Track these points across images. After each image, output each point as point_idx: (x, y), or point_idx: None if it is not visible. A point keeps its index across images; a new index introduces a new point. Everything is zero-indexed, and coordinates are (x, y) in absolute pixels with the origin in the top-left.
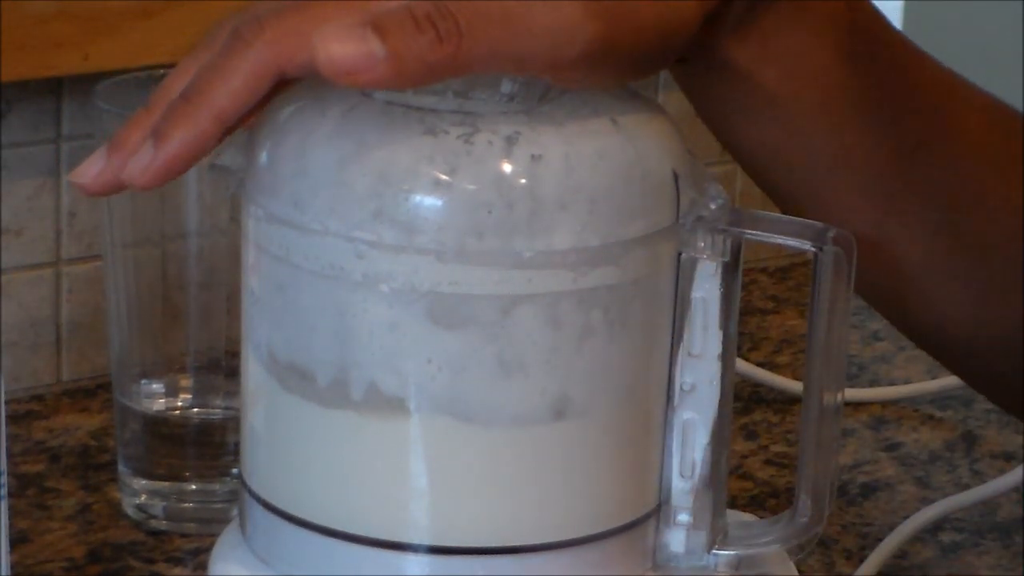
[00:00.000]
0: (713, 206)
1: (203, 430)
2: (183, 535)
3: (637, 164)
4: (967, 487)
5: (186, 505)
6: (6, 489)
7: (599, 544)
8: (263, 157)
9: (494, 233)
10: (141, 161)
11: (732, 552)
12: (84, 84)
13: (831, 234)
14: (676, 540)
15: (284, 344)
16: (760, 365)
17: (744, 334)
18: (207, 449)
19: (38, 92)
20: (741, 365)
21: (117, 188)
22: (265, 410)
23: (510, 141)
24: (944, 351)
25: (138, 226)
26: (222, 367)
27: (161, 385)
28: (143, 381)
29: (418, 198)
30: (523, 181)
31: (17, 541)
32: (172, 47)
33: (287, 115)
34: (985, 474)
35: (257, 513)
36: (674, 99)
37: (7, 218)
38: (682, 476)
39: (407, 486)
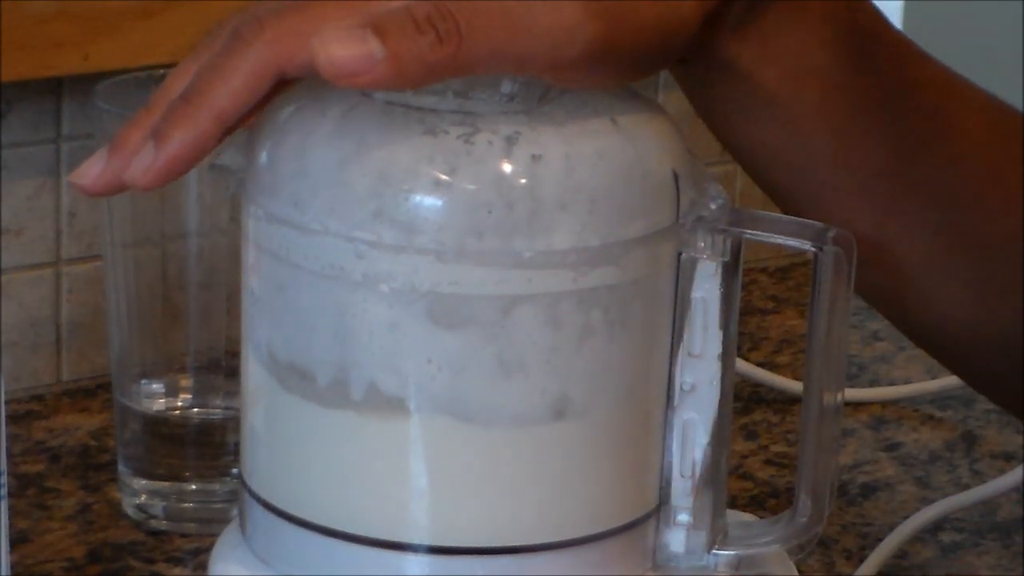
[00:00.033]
0: (713, 206)
1: (203, 430)
2: (183, 535)
3: (637, 164)
4: (967, 487)
5: (186, 505)
6: (6, 489)
7: (599, 544)
8: (263, 157)
9: (494, 233)
10: (142, 162)
11: (732, 552)
12: (84, 84)
13: (831, 234)
14: (676, 540)
15: (284, 344)
16: (760, 365)
17: (744, 334)
18: (207, 449)
19: (38, 92)
20: (741, 365)
21: (118, 189)
22: (265, 410)
23: (510, 141)
24: (944, 351)
25: (138, 226)
26: (222, 367)
27: (161, 385)
28: (143, 381)
29: (418, 198)
30: (523, 181)
31: (17, 541)
32: (172, 47)
33: (287, 115)
34: (985, 474)
35: (257, 513)
36: (674, 99)
37: (7, 218)
38: (682, 476)
39: (407, 486)
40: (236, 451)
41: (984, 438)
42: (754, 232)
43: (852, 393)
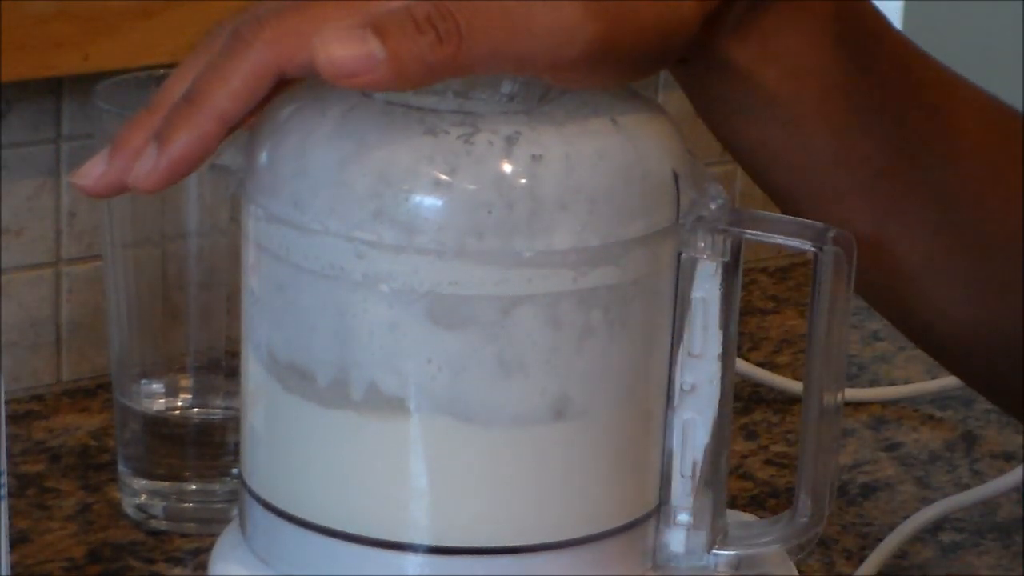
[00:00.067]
0: (713, 206)
1: (203, 430)
2: (183, 535)
3: (637, 164)
4: (967, 487)
5: (186, 505)
6: (6, 489)
7: (599, 544)
8: (263, 157)
9: (494, 233)
10: (145, 165)
11: (732, 552)
12: (84, 84)
13: (831, 234)
14: (676, 540)
15: (284, 344)
16: (760, 365)
17: (744, 334)
18: (207, 449)
19: (38, 92)
20: (741, 365)
21: (119, 190)
22: (265, 410)
23: (510, 141)
24: (944, 351)
25: (138, 226)
26: (222, 367)
27: (161, 385)
28: (143, 381)
29: (418, 198)
30: (523, 181)
31: (17, 541)
32: (172, 47)
33: (287, 115)
34: (985, 474)
35: (257, 513)
36: (674, 99)
37: (7, 218)
38: (682, 476)
39: (407, 486)
40: (236, 451)
41: (984, 438)
42: (754, 232)
43: (852, 393)
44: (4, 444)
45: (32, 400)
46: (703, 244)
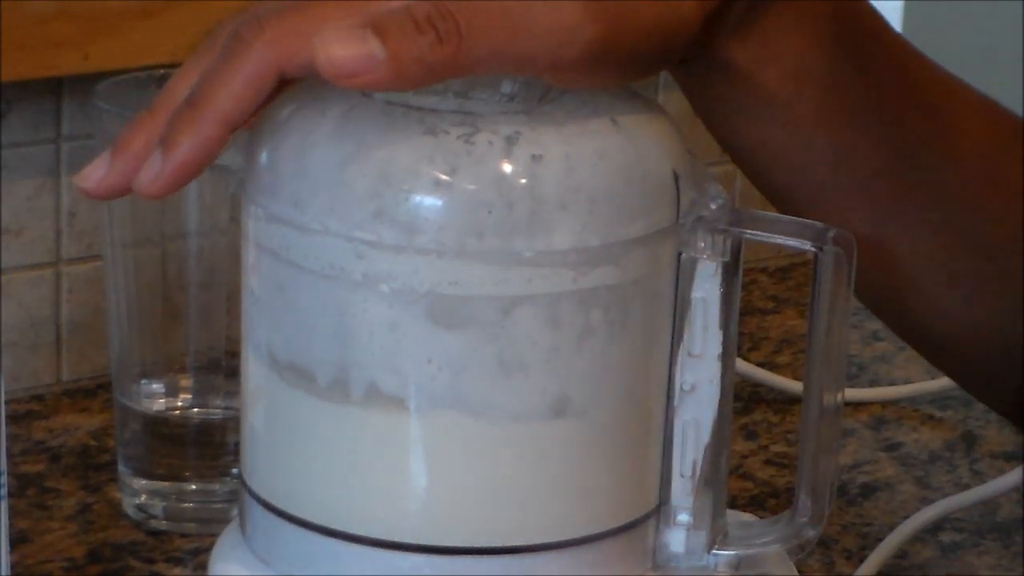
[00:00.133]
0: (713, 206)
1: (203, 430)
2: (183, 535)
3: (637, 164)
4: (967, 487)
5: (186, 505)
6: (6, 489)
7: (599, 544)
8: (263, 157)
9: (494, 233)
10: (150, 171)
11: (732, 552)
12: (84, 84)
13: (831, 234)
14: (676, 540)
15: (284, 344)
16: (760, 365)
17: (744, 334)
18: (207, 449)
19: (38, 92)
20: (741, 365)
21: (121, 192)
22: (265, 410)
23: (510, 141)
24: (943, 351)
25: (138, 226)
26: (222, 367)
27: (161, 385)
28: (143, 381)
29: (418, 198)
30: (523, 181)
31: (17, 541)
32: (172, 47)
33: (287, 115)
34: (985, 474)
35: (257, 513)
36: (674, 99)
37: (7, 218)
38: (682, 476)
39: (407, 486)
40: (236, 451)
41: (984, 438)
42: (754, 232)
43: (852, 393)
44: (4, 444)
45: (32, 400)
46: (703, 244)
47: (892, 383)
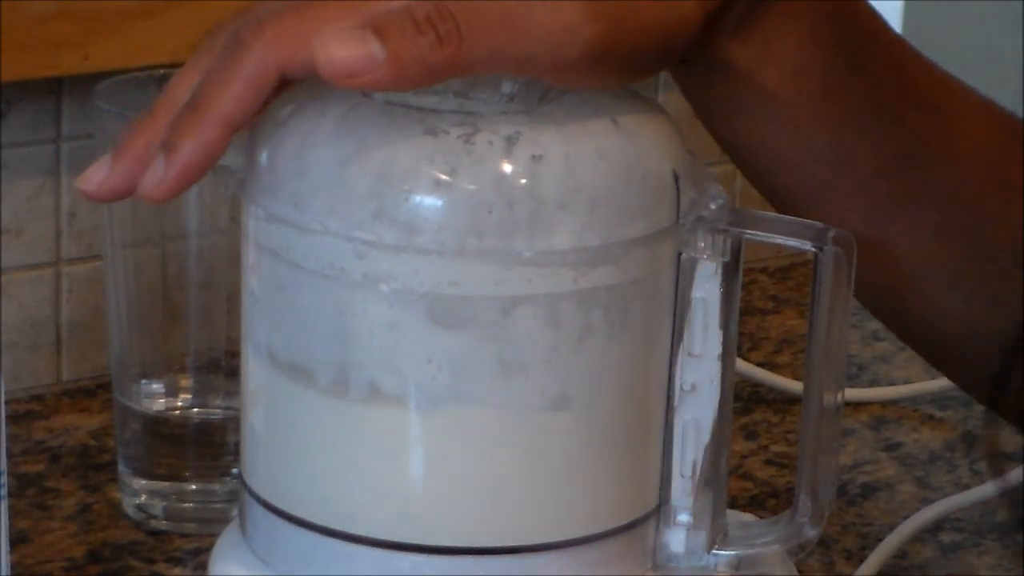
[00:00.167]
0: (713, 206)
1: (203, 430)
2: (183, 535)
3: (637, 164)
4: (967, 487)
5: (186, 505)
6: (6, 489)
7: (599, 544)
8: (263, 157)
9: (494, 233)
10: (154, 175)
11: (732, 552)
12: (84, 84)
13: (831, 234)
14: (676, 540)
15: (284, 344)
16: (760, 365)
17: (744, 334)
18: (207, 449)
19: (38, 92)
20: (741, 365)
21: (122, 195)
22: (265, 410)
23: (510, 141)
24: (944, 352)
25: (138, 226)
26: (222, 367)
27: (161, 385)
28: (143, 381)
29: (418, 198)
30: (523, 181)
31: (17, 541)
32: (172, 47)
33: (287, 115)
34: (985, 474)
35: (257, 513)
36: (674, 99)
37: (7, 218)
38: (682, 476)
39: (407, 486)
40: (236, 451)
41: (984, 438)
42: (754, 232)
43: (852, 393)
44: (4, 444)
45: (32, 400)
46: (703, 244)
47: (892, 383)
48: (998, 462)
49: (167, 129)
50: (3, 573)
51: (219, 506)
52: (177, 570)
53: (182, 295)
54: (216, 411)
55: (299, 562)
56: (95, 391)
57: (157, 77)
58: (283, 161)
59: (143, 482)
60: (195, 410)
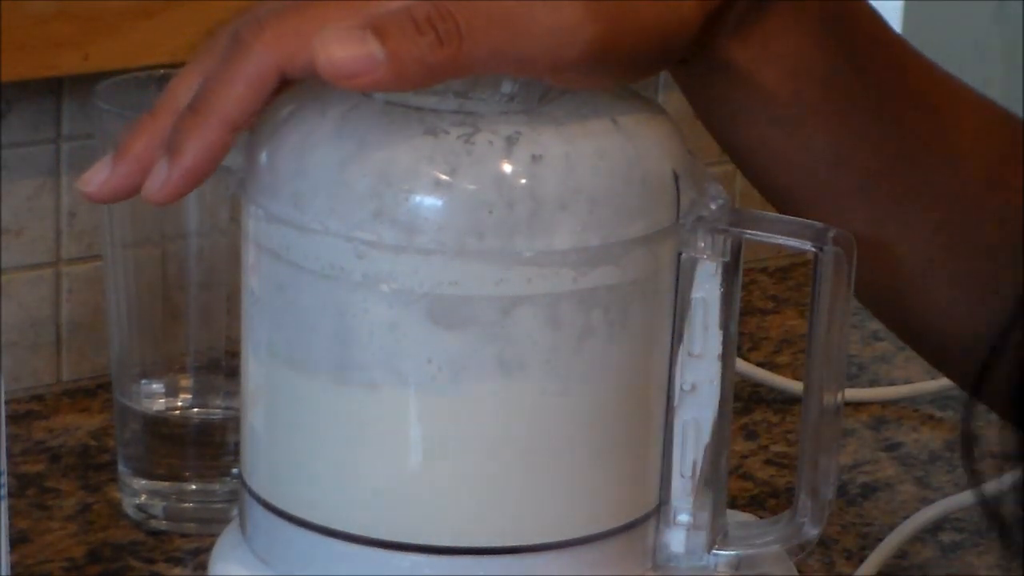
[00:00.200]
0: (713, 206)
1: (203, 430)
2: (183, 535)
3: (637, 164)
4: (967, 487)
5: (186, 505)
6: (6, 489)
7: (599, 544)
8: (263, 157)
9: (494, 233)
10: (158, 178)
11: (732, 552)
12: (84, 84)
13: (831, 234)
14: (676, 540)
15: (284, 344)
16: (760, 365)
17: (744, 334)
18: (207, 449)
19: (38, 92)
20: (741, 365)
21: (124, 196)
22: (265, 410)
23: (510, 141)
24: (944, 352)
25: (138, 226)
26: (222, 367)
27: (161, 385)
28: (143, 381)
29: (418, 198)
30: (523, 181)
31: (17, 541)
32: (172, 47)
33: (287, 115)
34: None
35: (257, 513)
36: (674, 99)
37: (7, 218)
38: (682, 476)
39: (407, 486)
40: (236, 451)
41: (984, 438)
42: (754, 232)
43: (852, 393)
44: (4, 444)
45: (32, 400)
46: (703, 244)
47: (892, 383)
48: (976, 475)
49: (170, 132)
50: (3, 573)
51: (219, 506)
52: (177, 570)
53: (182, 295)
54: (216, 411)
55: (299, 562)
56: (95, 391)
57: (157, 77)
58: (283, 161)
59: (143, 482)
60: (195, 410)
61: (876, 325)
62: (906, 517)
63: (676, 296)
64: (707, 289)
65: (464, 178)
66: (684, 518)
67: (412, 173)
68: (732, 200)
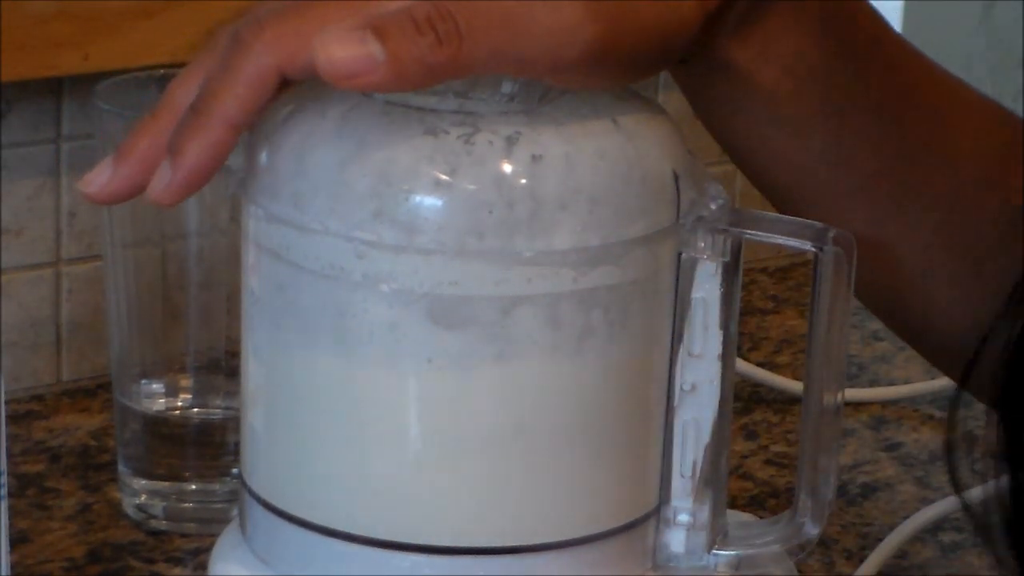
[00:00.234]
0: (713, 206)
1: (203, 430)
2: (183, 535)
3: (637, 164)
4: (967, 487)
5: (186, 505)
6: (6, 489)
7: (599, 544)
8: (263, 157)
9: (494, 233)
10: (162, 180)
11: (732, 552)
12: (84, 84)
13: (831, 234)
14: (676, 540)
15: (284, 344)
16: (760, 365)
17: (744, 334)
18: (207, 449)
19: (38, 92)
20: (741, 365)
21: (125, 197)
22: (265, 410)
23: (510, 141)
24: (943, 352)
25: (138, 226)
26: (222, 367)
27: (161, 385)
28: (143, 381)
29: (418, 198)
30: (523, 181)
31: (17, 541)
32: (172, 47)
33: (287, 115)
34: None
35: (257, 513)
36: (674, 99)
37: (7, 218)
38: (682, 476)
39: (407, 486)
40: (236, 451)
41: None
42: (754, 232)
43: (852, 393)
44: (4, 444)
45: (32, 400)
46: (703, 244)
47: (892, 383)
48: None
49: (172, 133)
50: (3, 573)
51: (219, 506)
52: (177, 570)
53: (182, 295)
54: (216, 411)
55: (299, 562)
56: (95, 391)
57: (157, 77)
58: (283, 161)
59: (143, 482)
60: (195, 410)
61: (876, 325)
62: (906, 517)
63: (676, 296)
64: (707, 289)
65: (464, 178)
66: (684, 518)
67: (412, 173)
68: (732, 200)
